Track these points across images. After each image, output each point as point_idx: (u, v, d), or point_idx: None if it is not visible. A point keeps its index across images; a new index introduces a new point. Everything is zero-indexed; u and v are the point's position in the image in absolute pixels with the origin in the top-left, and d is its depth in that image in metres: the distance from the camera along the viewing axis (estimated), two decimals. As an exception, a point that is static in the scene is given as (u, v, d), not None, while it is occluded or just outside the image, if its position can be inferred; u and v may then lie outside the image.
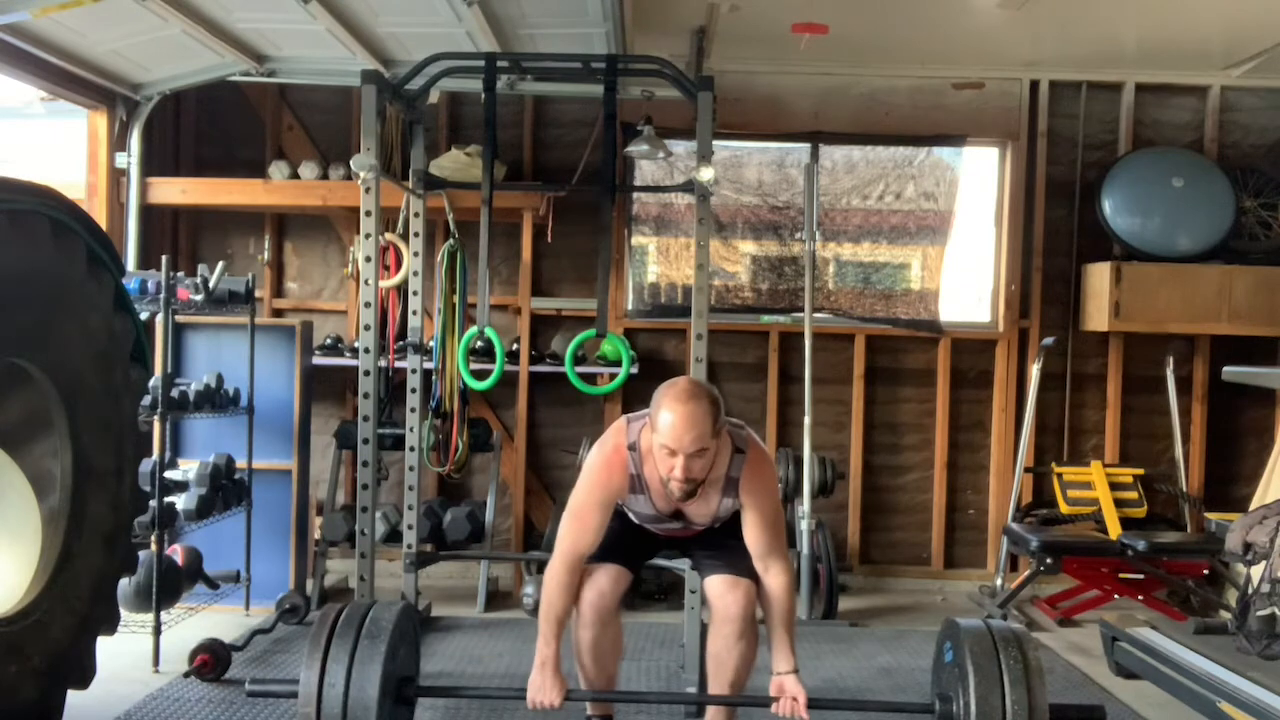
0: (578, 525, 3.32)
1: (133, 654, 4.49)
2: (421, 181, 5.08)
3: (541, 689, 3.24)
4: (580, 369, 5.15)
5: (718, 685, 3.46)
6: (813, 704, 3.24)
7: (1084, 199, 6.45)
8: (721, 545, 3.45)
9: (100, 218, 5.55)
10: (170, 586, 4.59)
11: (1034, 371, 6.20)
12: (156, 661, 4.48)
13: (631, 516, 3.48)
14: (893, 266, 6.73)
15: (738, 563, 3.38)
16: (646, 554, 3.69)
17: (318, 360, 5.93)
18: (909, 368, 6.56)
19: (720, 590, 3.42)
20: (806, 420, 5.76)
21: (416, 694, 3.40)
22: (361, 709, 3.05)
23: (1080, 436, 6.54)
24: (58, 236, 3.35)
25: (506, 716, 4.11)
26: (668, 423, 3.09)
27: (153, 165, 6.02)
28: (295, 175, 6.09)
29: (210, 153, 6.48)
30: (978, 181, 6.65)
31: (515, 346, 6.16)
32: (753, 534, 3.31)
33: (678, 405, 3.10)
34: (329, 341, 6.17)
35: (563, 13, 4.94)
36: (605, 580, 3.44)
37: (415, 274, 5.11)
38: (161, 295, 4.62)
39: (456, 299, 5.20)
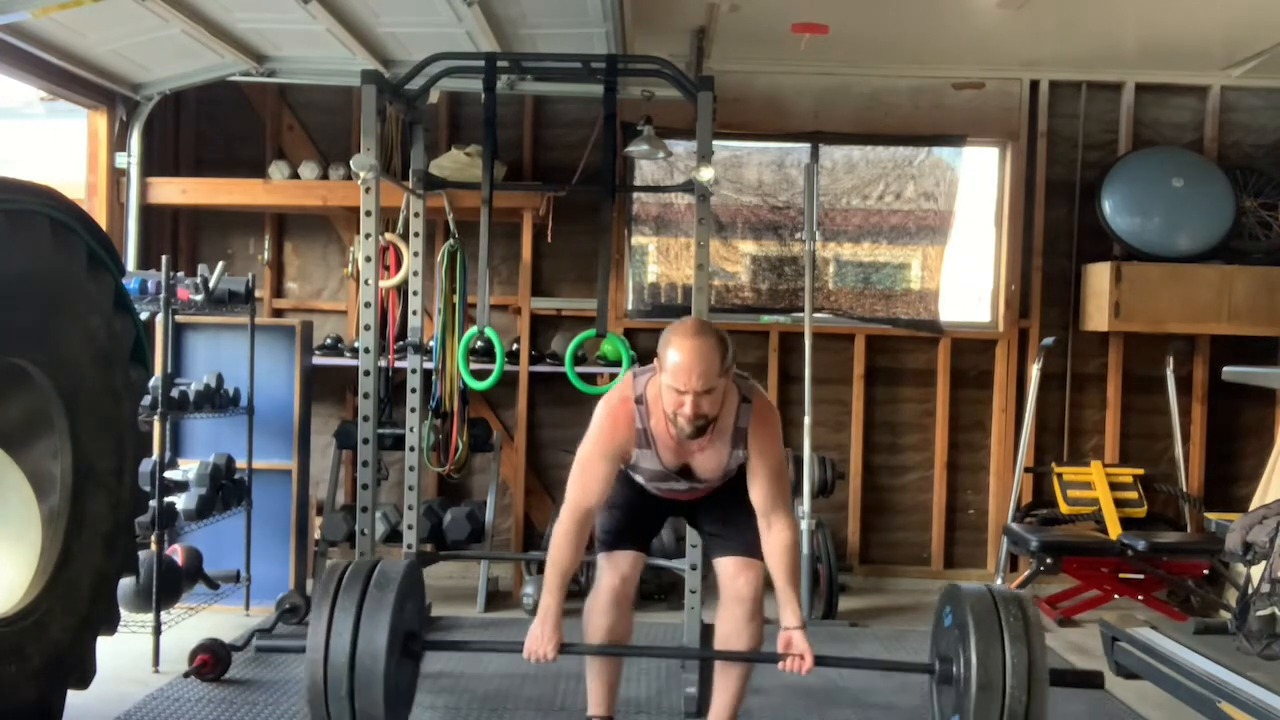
0: (584, 479, 3.30)
1: (133, 654, 4.49)
2: (421, 181, 5.08)
3: (540, 640, 3.24)
4: (580, 369, 5.15)
5: (726, 669, 3.47)
6: (818, 660, 3.27)
7: (1084, 199, 6.45)
8: (730, 519, 3.43)
9: (100, 218, 5.55)
10: (170, 586, 4.59)
11: (1034, 371, 6.20)
12: (156, 661, 4.48)
13: (637, 478, 3.44)
14: (893, 266, 6.74)
15: (749, 540, 3.37)
16: (655, 526, 3.66)
17: (318, 360, 5.93)
18: (909, 368, 6.56)
19: (732, 571, 3.43)
20: (806, 420, 5.76)
21: (423, 649, 3.40)
22: (370, 659, 3.05)
23: (1080, 436, 6.54)
24: (58, 236, 3.35)
25: (506, 717, 4.11)
26: (675, 360, 3.06)
27: (153, 165, 6.02)
28: (295, 175, 6.09)
29: (210, 153, 6.48)
30: (978, 181, 6.65)
31: (515, 346, 6.16)
32: (758, 487, 3.29)
33: (685, 342, 3.08)
34: (329, 341, 6.17)
35: (563, 13, 4.94)
36: (626, 565, 3.45)
37: (415, 274, 5.11)
38: (161, 295, 4.62)
39: (456, 299, 5.21)
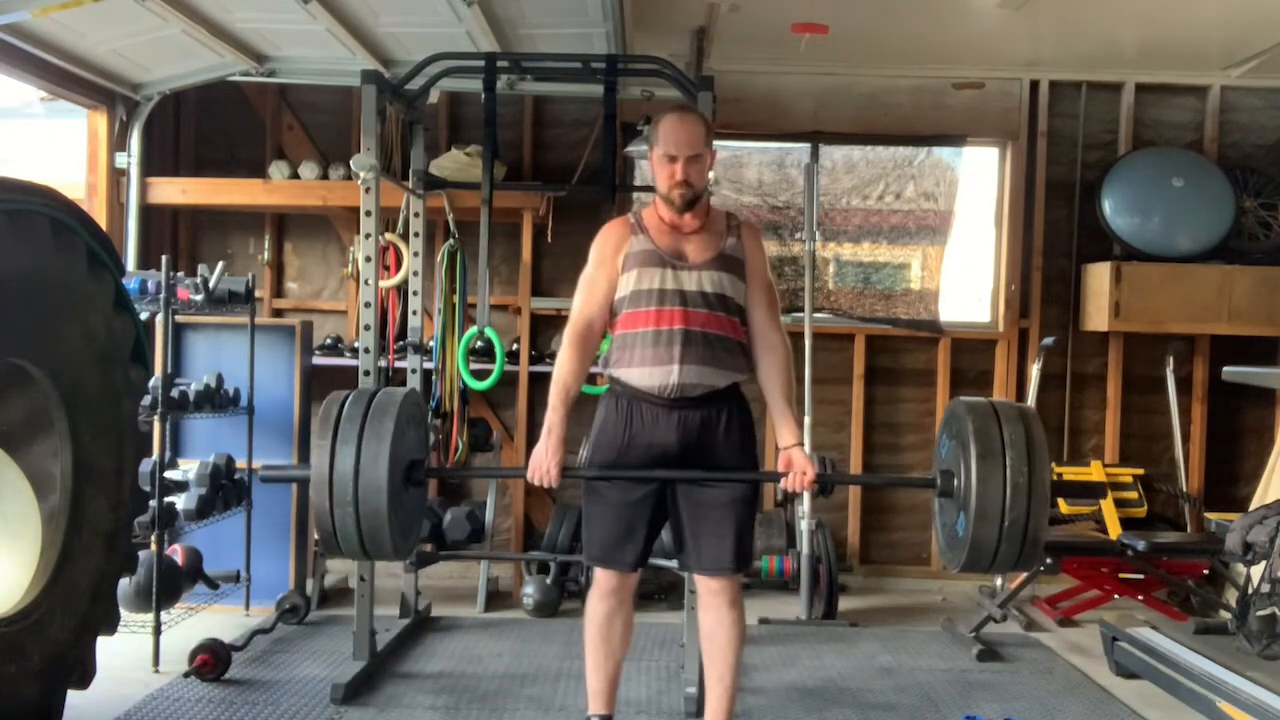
0: (585, 291, 3.41)
1: (133, 654, 4.49)
2: (421, 181, 5.08)
3: (543, 458, 3.29)
4: (580, 369, 5.14)
5: (714, 662, 3.45)
6: (819, 479, 3.33)
7: (1084, 199, 6.45)
8: (715, 504, 3.34)
9: (100, 218, 5.55)
10: (170, 586, 4.59)
11: (1034, 371, 6.20)
12: (156, 661, 4.48)
13: (628, 299, 3.35)
14: (893, 266, 6.73)
15: (728, 546, 3.35)
16: (649, 525, 3.46)
17: (318, 360, 5.93)
18: (909, 368, 6.56)
19: (712, 579, 3.42)
20: (806, 420, 5.76)
21: (427, 475, 3.40)
22: (374, 476, 3.05)
23: (1080, 436, 6.54)
24: (58, 236, 3.35)
25: (507, 717, 4.11)
26: (664, 130, 3.32)
27: (153, 165, 6.02)
28: (295, 175, 6.09)
29: (210, 153, 6.48)
30: (978, 181, 6.65)
31: (515, 346, 6.16)
32: (755, 297, 3.39)
33: (673, 113, 3.38)
34: (329, 341, 6.17)
35: (563, 12, 4.94)
36: (615, 580, 3.44)
37: (415, 274, 5.11)
38: (161, 295, 4.62)
39: (456, 299, 5.21)
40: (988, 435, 3.06)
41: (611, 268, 3.37)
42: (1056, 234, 6.51)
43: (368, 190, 4.35)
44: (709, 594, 3.42)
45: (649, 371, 3.31)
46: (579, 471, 3.45)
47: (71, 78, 5.30)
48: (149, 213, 5.99)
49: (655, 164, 3.35)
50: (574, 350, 3.37)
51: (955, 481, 3.19)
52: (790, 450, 3.33)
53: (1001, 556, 3.06)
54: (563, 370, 3.36)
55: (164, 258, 4.63)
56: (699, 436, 3.34)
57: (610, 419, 3.42)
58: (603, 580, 3.46)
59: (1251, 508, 4.88)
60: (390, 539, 3.13)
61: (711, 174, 4.34)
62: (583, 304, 3.40)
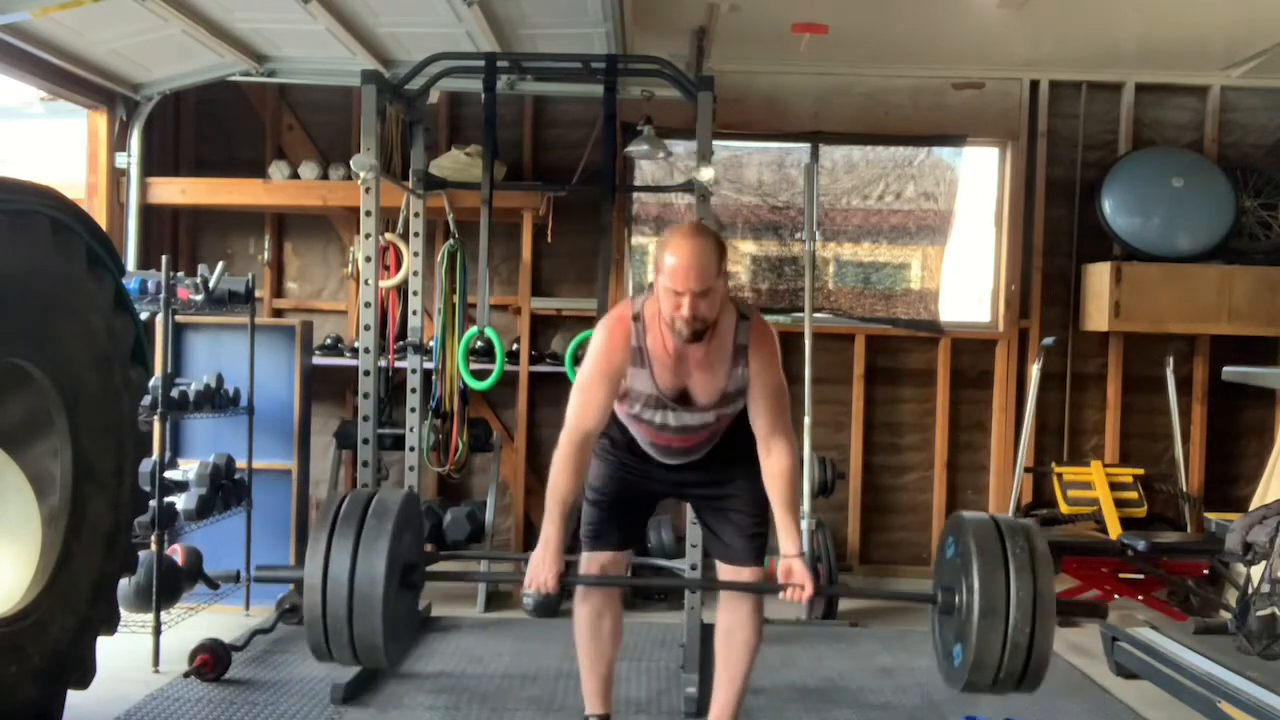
0: (583, 401, 3.27)
1: (133, 654, 4.48)
2: (421, 181, 5.09)
3: (540, 567, 3.22)
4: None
5: (726, 658, 3.46)
6: (818, 591, 3.29)
7: (1084, 199, 6.45)
8: (730, 516, 3.40)
9: (100, 218, 5.55)
10: (170, 586, 4.59)
11: (1034, 371, 6.20)
12: (156, 661, 4.48)
13: (632, 430, 3.39)
14: (893, 266, 6.74)
15: (751, 547, 3.38)
16: (641, 518, 3.64)
17: (318, 360, 5.93)
18: (909, 368, 6.56)
19: (735, 569, 3.43)
20: (806, 420, 5.75)
21: (422, 579, 3.36)
22: (368, 585, 3.01)
23: (1080, 436, 6.54)
24: (58, 236, 3.35)
25: (507, 717, 4.11)
26: (672, 262, 3.04)
27: (153, 165, 6.02)
28: (295, 175, 6.09)
29: (210, 153, 6.48)
30: (978, 181, 6.65)
31: (515, 346, 6.16)
32: (758, 407, 3.25)
33: (683, 243, 3.07)
34: (329, 341, 6.17)
35: (563, 13, 4.94)
36: (605, 559, 3.45)
37: (415, 274, 5.11)
38: (161, 295, 4.62)
39: (456, 299, 5.21)
40: (992, 591, 3.02)
41: (613, 383, 3.27)
42: (1056, 234, 6.51)
43: (368, 190, 4.35)
44: (733, 594, 3.43)
45: (650, 451, 3.43)
46: (576, 577, 3.45)
47: (71, 78, 5.30)
48: (149, 213, 5.99)
49: (660, 290, 3.11)
50: (571, 464, 3.30)
51: (956, 599, 3.18)
52: (790, 560, 3.26)
53: (996, 689, 3.15)
54: (560, 483, 3.29)
55: (164, 258, 4.64)
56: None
57: (607, 452, 3.49)
58: (584, 571, 3.46)
59: (1251, 508, 4.88)
60: (384, 645, 3.08)
61: (711, 171, 4.36)
62: (580, 415, 3.27)
